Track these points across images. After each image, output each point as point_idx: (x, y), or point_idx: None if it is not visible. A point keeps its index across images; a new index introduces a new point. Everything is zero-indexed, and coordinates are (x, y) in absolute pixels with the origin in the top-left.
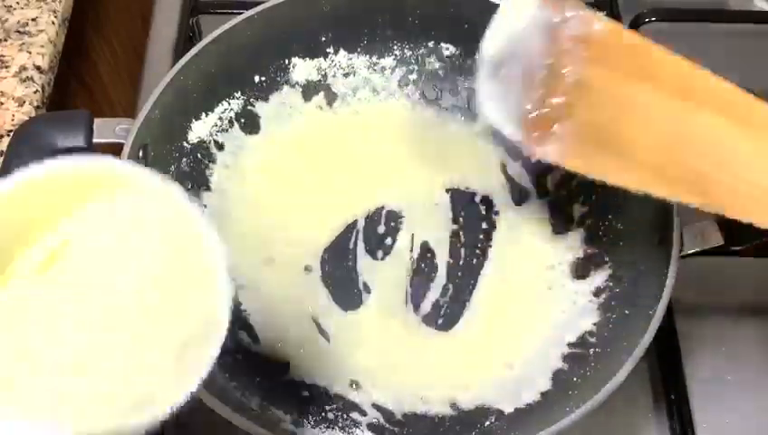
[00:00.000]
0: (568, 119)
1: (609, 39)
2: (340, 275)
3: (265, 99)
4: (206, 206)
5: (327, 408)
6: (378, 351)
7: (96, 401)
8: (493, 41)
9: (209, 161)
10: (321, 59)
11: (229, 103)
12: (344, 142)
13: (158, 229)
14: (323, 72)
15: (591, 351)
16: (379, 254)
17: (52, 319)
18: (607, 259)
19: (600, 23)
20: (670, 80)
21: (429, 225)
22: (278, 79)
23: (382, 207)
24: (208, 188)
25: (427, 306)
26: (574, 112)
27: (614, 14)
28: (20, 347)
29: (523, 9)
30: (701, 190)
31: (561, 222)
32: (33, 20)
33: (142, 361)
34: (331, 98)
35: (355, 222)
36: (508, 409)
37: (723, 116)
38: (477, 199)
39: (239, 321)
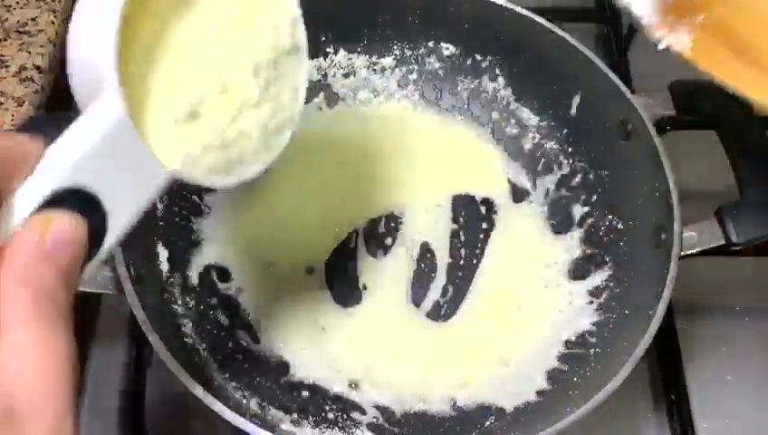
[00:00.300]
0: (705, 14)
1: None
2: (340, 275)
3: None
4: (209, 207)
5: (327, 408)
6: (377, 351)
7: (198, 154)
8: None
9: None
10: (321, 59)
11: None
12: (344, 144)
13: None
14: (323, 72)
15: (591, 351)
16: (380, 254)
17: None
18: (607, 259)
19: None
20: None
21: (429, 225)
22: None
23: (383, 208)
24: (211, 190)
25: (427, 306)
26: (713, 11)
27: (614, 14)
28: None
29: None
30: None
31: (561, 222)
32: (32, 20)
33: (241, 126)
34: (331, 99)
35: (356, 223)
36: (507, 407)
37: None
38: (477, 200)
39: (239, 321)
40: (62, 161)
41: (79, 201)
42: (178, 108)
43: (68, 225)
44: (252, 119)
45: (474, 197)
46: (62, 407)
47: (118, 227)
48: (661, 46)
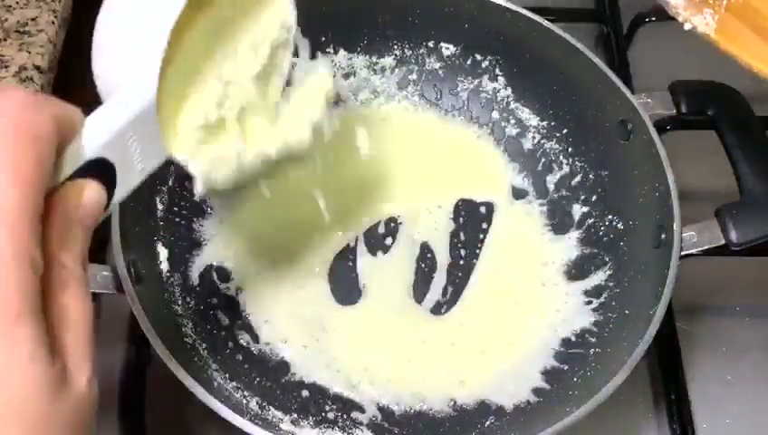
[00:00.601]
0: None
1: None
2: (340, 274)
3: None
4: (210, 208)
5: (327, 408)
6: (377, 350)
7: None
8: None
9: None
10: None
11: None
12: (345, 145)
13: None
14: None
15: (591, 351)
16: (380, 253)
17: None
18: (607, 259)
19: None
20: None
21: (429, 225)
22: None
23: (384, 210)
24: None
25: (427, 306)
26: None
27: (614, 14)
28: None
29: None
30: None
31: (560, 222)
32: (32, 20)
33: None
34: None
35: (358, 225)
36: (507, 405)
37: None
38: (478, 200)
39: (239, 321)
40: (97, 136)
41: (102, 169)
42: (201, 116)
43: (96, 194)
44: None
45: (474, 197)
46: (92, 365)
47: (121, 192)
48: (687, 27)
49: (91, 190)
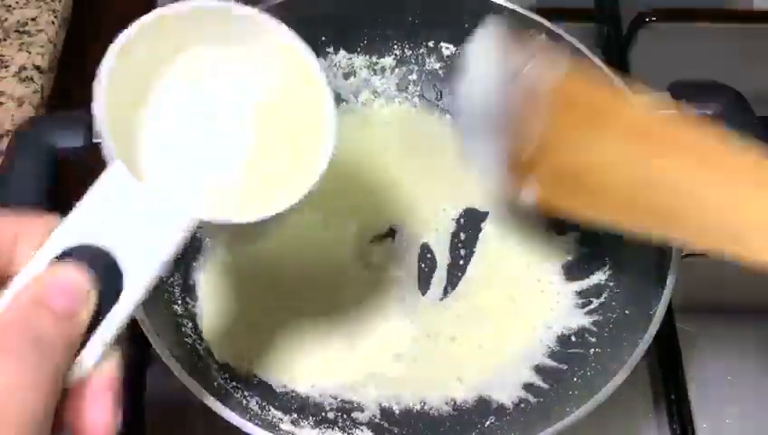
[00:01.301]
0: (541, 164)
1: (571, 86)
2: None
3: None
4: None
5: (327, 408)
6: (376, 350)
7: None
8: (466, 96)
9: None
10: (321, 59)
11: None
12: (346, 147)
13: (277, 67)
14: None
15: (591, 351)
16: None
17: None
18: (607, 259)
19: (559, 68)
20: (630, 125)
21: (429, 226)
22: None
23: (386, 214)
24: None
25: (426, 305)
26: (546, 158)
27: (614, 14)
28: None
29: (486, 59)
30: (671, 227)
31: (560, 222)
32: (32, 20)
33: (261, 170)
34: None
35: (360, 229)
36: (506, 403)
37: (686, 159)
38: (479, 202)
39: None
40: (72, 225)
41: (90, 257)
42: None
43: (67, 271)
44: (269, 160)
45: (474, 198)
46: None
47: (137, 283)
48: (520, 203)
49: (59, 268)
